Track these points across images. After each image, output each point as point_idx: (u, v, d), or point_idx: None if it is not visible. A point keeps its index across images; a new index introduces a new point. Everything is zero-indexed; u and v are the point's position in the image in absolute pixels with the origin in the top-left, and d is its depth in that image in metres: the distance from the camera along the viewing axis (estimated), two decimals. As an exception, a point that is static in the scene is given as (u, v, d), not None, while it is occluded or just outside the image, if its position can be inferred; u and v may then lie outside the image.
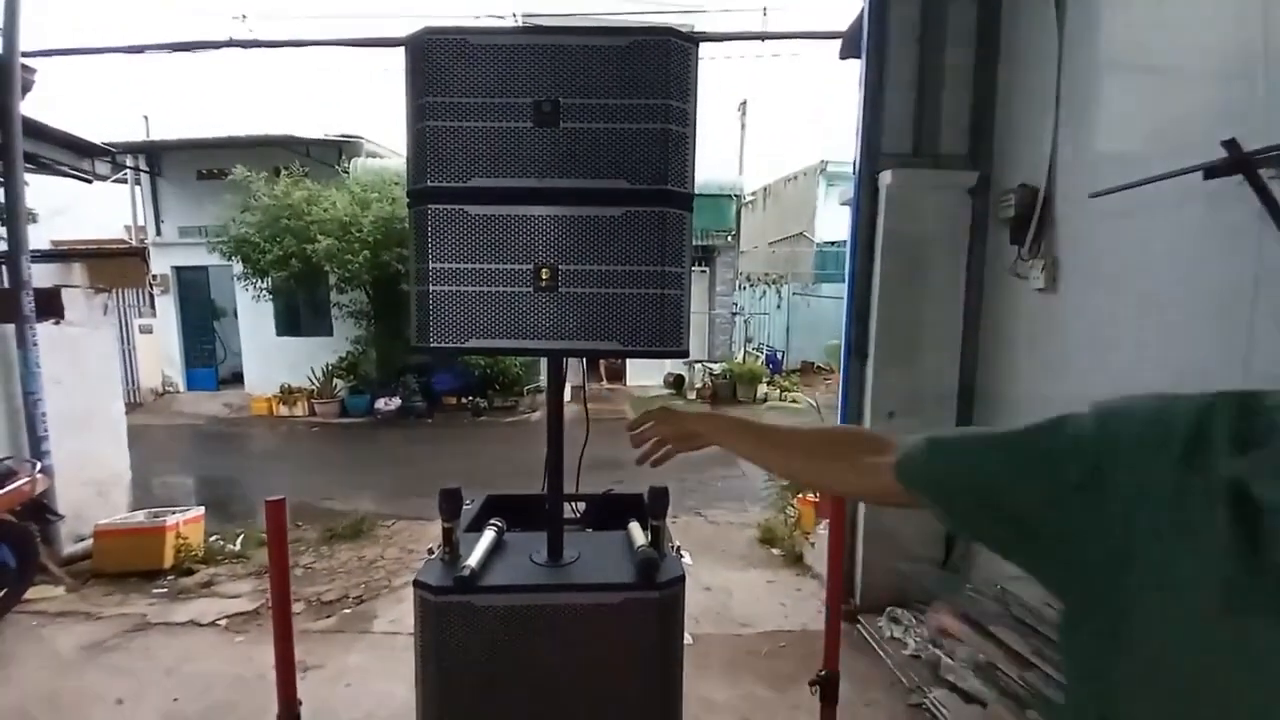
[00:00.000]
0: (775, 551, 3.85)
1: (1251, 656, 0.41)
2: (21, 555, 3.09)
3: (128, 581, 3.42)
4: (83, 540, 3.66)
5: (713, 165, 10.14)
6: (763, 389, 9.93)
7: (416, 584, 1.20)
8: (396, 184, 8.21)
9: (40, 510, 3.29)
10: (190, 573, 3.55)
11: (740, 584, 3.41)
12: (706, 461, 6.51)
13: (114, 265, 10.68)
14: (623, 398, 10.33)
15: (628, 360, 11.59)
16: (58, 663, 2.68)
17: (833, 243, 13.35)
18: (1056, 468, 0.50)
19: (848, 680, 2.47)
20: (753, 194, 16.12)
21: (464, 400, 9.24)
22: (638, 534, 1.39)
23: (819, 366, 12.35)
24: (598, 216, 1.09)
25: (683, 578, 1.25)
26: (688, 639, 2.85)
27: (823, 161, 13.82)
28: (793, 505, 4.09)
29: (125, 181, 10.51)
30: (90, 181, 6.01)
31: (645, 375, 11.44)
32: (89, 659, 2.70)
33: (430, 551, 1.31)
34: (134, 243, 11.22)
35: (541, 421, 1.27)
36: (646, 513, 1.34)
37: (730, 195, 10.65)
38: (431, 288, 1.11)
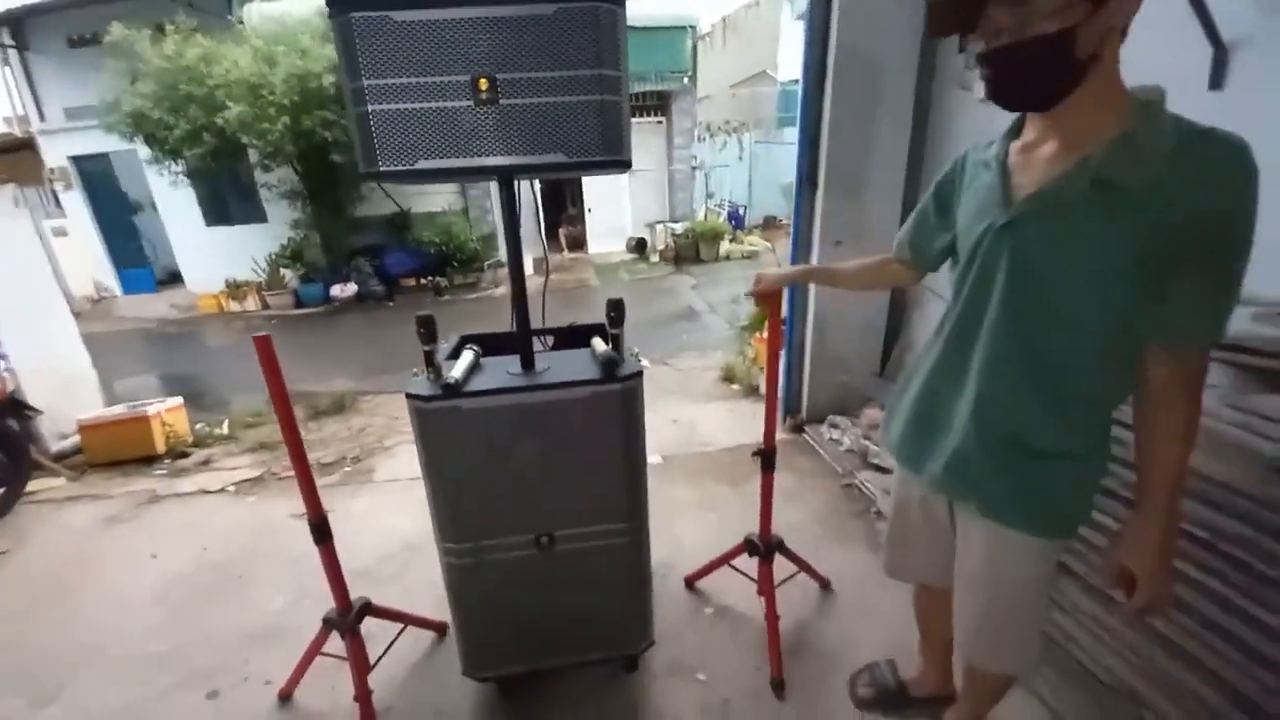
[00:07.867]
0: (735, 387, 4.20)
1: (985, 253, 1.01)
2: (10, 451, 3.17)
3: (126, 467, 3.57)
4: (67, 438, 3.73)
5: (662, -8, 9.11)
6: (725, 246, 9.97)
7: (409, 396, 1.35)
8: (304, 34, 7.17)
9: (16, 406, 3.31)
10: (184, 455, 3.70)
11: (704, 415, 3.77)
12: (670, 319, 6.75)
13: (2, 161, 9.47)
14: (585, 265, 10.28)
15: (588, 227, 11.35)
16: (80, 534, 2.87)
17: (796, 81, 12.59)
18: (945, 185, 1.16)
19: (794, 474, 2.89)
20: (710, 26, 14.72)
21: (424, 281, 9.07)
22: (600, 345, 1.55)
23: (781, 220, 12.32)
24: (529, 16, 1.08)
25: (641, 373, 1.43)
26: (658, 459, 3.21)
27: (785, -17, 12.53)
28: (750, 344, 4.38)
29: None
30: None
31: (607, 242, 11.28)
32: (109, 529, 2.91)
33: (415, 374, 1.45)
34: (18, 134, 9.87)
35: (507, 297, 1.36)
36: (607, 325, 1.49)
37: (684, 27, 9.74)
38: (370, 107, 1.11)
